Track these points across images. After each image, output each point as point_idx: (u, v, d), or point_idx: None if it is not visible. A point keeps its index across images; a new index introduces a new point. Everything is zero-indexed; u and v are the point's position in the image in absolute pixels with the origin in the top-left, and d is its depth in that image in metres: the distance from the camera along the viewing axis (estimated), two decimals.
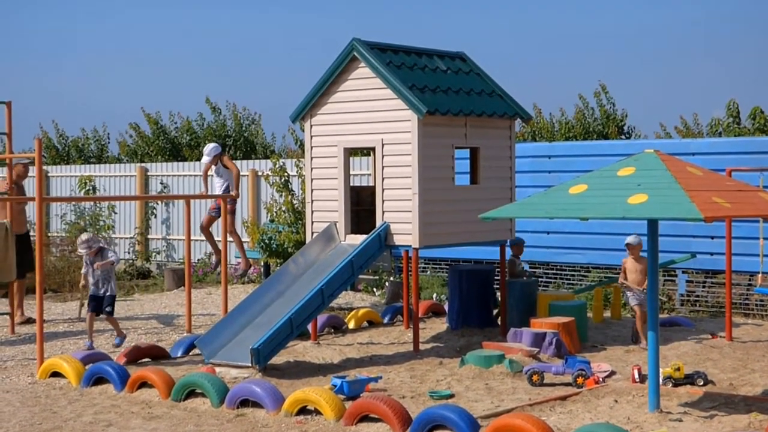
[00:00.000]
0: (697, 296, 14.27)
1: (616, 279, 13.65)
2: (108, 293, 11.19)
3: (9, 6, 55.99)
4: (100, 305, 11.19)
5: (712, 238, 13.76)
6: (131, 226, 21.61)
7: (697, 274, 14.30)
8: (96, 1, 56.80)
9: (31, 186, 21.30)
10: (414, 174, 10.60)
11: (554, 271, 15.47)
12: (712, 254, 13.81)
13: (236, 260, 18.29)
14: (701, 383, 8.76)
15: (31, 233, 20.19)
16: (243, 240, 18.37)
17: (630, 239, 11.19)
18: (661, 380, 8.32)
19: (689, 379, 8.79)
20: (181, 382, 8.79)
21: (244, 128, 27.52)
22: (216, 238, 14.28)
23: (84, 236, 11.23)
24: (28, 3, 57.12)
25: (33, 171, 20.13)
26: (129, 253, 21.37)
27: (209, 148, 13.77)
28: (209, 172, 14.01)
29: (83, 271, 11.40)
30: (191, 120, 27.77)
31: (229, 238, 13.70)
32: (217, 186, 13.74)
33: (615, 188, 7.57)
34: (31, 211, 20.82)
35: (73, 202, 21.87)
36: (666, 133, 23.48)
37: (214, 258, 14.59)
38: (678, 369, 8.78)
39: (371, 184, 12.26)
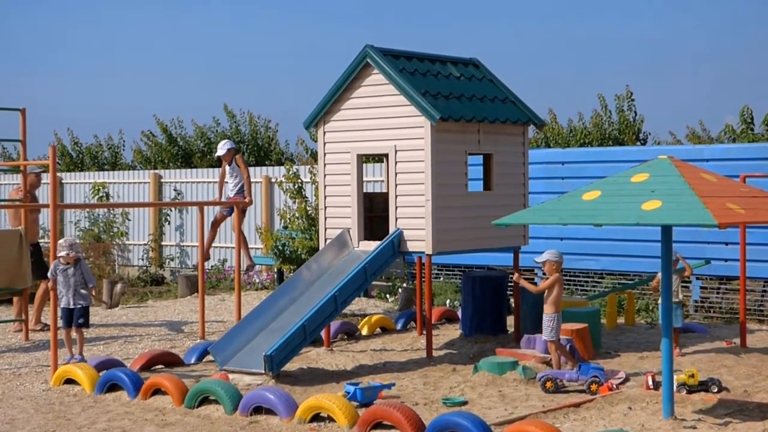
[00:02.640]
0: (712, 302, 14.23)
1: (629, 285, 13.64)
2: (80, 306, 10.39)
3: (22, 13, 56.27)
4: (72, 319, 10.43)
5: (727, 244, 13.72)
6: (145, 232, 21.68)
7: (711, 280, 14.27)
8: (111, 9, 57.04)
9: (45, 193, 21.39)
10: (427, 180, 10.60)
11: (568, 278, 15.44)
12: (726, 260, 13.77)
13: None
14: (715, 390, 8.71)
15: (45, 240, 20.35)
16: (257, 246, 18.42)
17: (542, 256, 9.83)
18: (675, 387, 8.29)
19: (703, 386, 8.75)
20: (194, 389, 8.79)
21: (259, 134, 27.59)
22: (227, 245, 14.31)
23: (69, 240, 10.41)
24: (41, 10, 57.39)
25: (47, 178, 20.22)
26: (143, 259, 21.43)
27: (223, 143, 13.88)
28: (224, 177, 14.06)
29: (51, 276, 10.31)
30: (205, 126, 27.86)
31: (255, 245, 13.76)
32: (231, 185, 13.77)
33: (629, 194, 7.55)
34: (46, 217, 20.93)
35: (87, 209, 21.99)
36: (676, 140, 23.47)
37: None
38: (692, 376, 8.74)
39: (384, 190, 12.25)
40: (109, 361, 10.25)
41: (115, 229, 21.41)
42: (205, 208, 14.28)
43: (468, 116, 10.86)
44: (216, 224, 14.30)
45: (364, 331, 12.60)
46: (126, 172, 23.59)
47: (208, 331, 12.76)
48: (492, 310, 12.06)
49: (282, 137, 36.30)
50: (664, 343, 7.82)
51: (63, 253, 10.19)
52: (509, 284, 12.58)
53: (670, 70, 47.01)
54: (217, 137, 27.40)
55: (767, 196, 7.96)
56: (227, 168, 13.78)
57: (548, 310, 9.65)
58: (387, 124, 10.87)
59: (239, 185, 13.68)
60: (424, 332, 11.39)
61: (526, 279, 12.98)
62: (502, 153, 11.45)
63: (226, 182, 13.95)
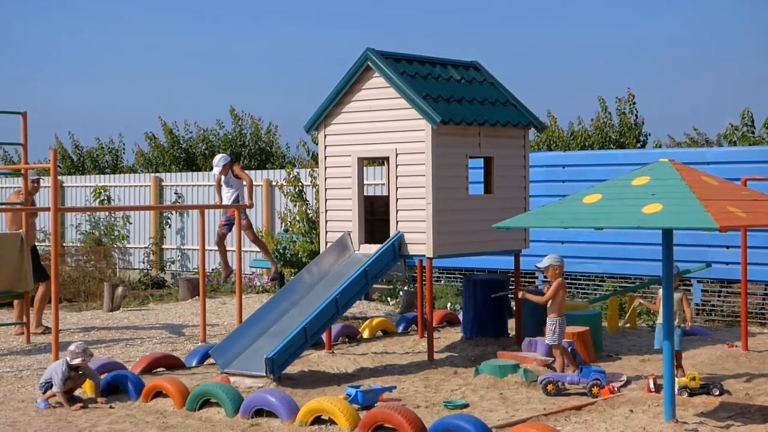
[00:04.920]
0: (713, 306, 14.22)
1: (631, 288, 13.64)
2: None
3: (23, 17, 56.30)
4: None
5: (728, 247, 13.71)
6: (146, 236, 21.67)
7: (712, 283, 14.26)
8: (112, 11, 57.07)
9: (46, 196, 21.41)
10: (428, 183, 10.60)
11: (569, 281, 15.43)
12: (727, 264, 13.76)
13: (250, 270, 18.32)
14: (717, 393, 8.71)
15: (46, 243, 20.36)
16: (258, 249, 18.42)
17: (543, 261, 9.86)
18: (676, 390, 8.29)
19: (705, 389, 8.75)
20: (195, 392, 8.79)
21: (262, 138, 27.63)
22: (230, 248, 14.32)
23: (81, 346, 9.29)
24: (43, 13, 57.42)
25: (48, 181, 20.23)
26: (144, 263, 21.43)
27: (218, 159, 13.83)
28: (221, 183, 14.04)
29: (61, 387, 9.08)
30: (209, 129, 27.94)
31: (255, 248, 13.72)
32: (226, 197, 13.77)
33: (629, 198, 7.55)
34: (47, 220, 20.96)
35: (88, 212, 21.98)
36: (675, 144, 23.53)
37: (223, 273, 14.61)
38: (694, 379, 8.74)
39: (385, 193, 12.26)
40: (111, 364, 10.23)
41: (116, 233, 21.41)
42: (206, 212, 14.29)
43: (469, 119, 10.86)
44: (221, 240, 14.20)
45: (366, 334, 12.60)
46: (127, 176, 23.59)
47: (209, 334, 12.76)
48: (493, 313, 12.05)
49: (283, 140, 36.29)
50: (666, 347, 7.82)
51: (78, 360, 9.14)
52: (510, 287, 12.58)
53: (671, 72, 47.04)
54: (219, 140, 27.43)
55: None
56: (222, 178, 13.78)
57: (551, 314, 9.66)
58: (388, 127, 10.88)
59: (234, 195, 13.66)
60: (426, 335, 11.39)
61: (525, 284, 12.97)
62: (502, 156, 11.45)
63: (222, 186, 13.96)
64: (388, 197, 11.23)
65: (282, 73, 55.94)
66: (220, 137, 27.61)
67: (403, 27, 56.10)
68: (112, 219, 21.59)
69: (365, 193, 11.46)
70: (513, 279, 12.22)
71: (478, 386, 9.35)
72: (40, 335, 13.22)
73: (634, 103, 23.03)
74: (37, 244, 13.85)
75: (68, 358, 9.20)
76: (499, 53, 51.27)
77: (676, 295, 9.05)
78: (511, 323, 12.27)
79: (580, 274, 15.43)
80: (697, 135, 23.95)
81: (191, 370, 10.47)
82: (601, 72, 49.04)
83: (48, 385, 9.15)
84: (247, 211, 13.64)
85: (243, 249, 13.40)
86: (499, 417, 8.11)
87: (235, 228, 13.31)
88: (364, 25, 57.70)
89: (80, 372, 9.22)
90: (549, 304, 9.70)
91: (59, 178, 23.12)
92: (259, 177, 19.95)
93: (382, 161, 16.13)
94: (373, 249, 10.88)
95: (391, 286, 16.62)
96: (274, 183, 19.46)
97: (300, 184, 16.59)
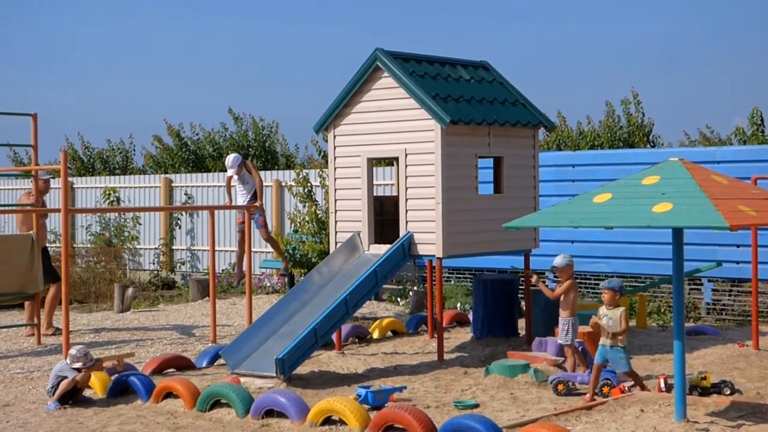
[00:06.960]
0: (724, 305, 14.19)
1: (640, 288, 13.61)
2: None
3: (32, 19, 56.45)
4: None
5: (738, 246, 13.68)
6: (156, 236, 21.71)
7: (723, 282, 14.23)
8: (118, 13, 57.18)
9: (56, 197, 21.46)
10: (437, 183, 10.59)
11: (579, 281, 15.41)
12: (737, 263, 13.73)
13: (260, 270, 18.33)
14: (728, 392, 8.69)
15: (56, 244, 20.41)
16: (268, 250, 18.42)
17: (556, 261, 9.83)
18: (687, 389, 8.26)
19: (716, 389, 8.73)
20: (206, 393, 8.80)
21: (264, 138, 27.64)
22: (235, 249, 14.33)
23: (83, 350, 9.37)
24: (51, 16, 57.56)
25: (58, 183, 20.27)
26: (154, 263, 21.46)
27: (231, 160, 13.76)
28: (232, 182, 14.02)
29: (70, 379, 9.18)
30: (214, 131, 27.96)
31: (266, 248, 13.77)
32: (241, 195, 13.76)
33: (640, 197, 7.54)
34: (57, 222, 21.01)
35: (98, 213, 22.03)
36: (690, 142, 23.44)
37: (235, 277, 14.59)
38: (704, 378, 8.72)
39: (394, 193, 12.26)
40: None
41: (126, 234, 21.45)
42: (216, 213, 14.30)
43: (478, 119, 10.86)
44: (241, 241, 14.12)
45: (375, 335, 12.59)
46: (137, 177, 23.64)
47: (220, 335, 12.78)
48: (503, 313, 12.05)
49: (292, 140, 36.29)
50: (676, 346, 7.80)
51: (79, 365, 9.21)
52: (520, 287, 12.57)
53: (680, 72, 46.95)
54: (226, 142, 27.45)
55: None
56: (235, 177, 13.77)
57: (564, 314, 9.66)
58: (397, 127, 10.87)
59: (251, 192, 13.68)
60: (436, 335, 11.39)
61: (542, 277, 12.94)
62: (512, 156, 11.44)
63: (234, 186, 13.94)
64: (397, 197, 11.23)
65: (286, 73, 55.97)
66: (227, 139, 27.62)
67: (409, 26, 56.12)
68: (122, 220, 21.63)
69: (375, 194, 11.46)
70: (523, 279, 12.20)
71: (488, 386, 9.34)
72: (51, 336, 13.26)
73: (639, 103, 22.97)
74: (47, 245, 13.87)
75: (68, 362, 9.24)
76: (509, 53, 51.24)
77: (615, 313, 8.70)
78: (521, 323, 12.26)
79: (590, 274, 15.41)
80: (711, 133, 23.87)
81: (201, 371, 10.48)
82: (610, 71, 48.98)
83: (55, 389, 9.17)
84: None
85: (253, 250, 13.39)
86: (509, 417, 8.10)
87: (246, 230, 13.33)
88: (368, 25, 57.75)
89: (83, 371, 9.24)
90: (562, 304, 9.69)
91: (69, 179, 23.19)
92: (268, 178, 19.96)
93: (391, 161, 16.12)
94: (382, 249, 10.88)
95: (400, 287, 16.62)
96: (283, 184, 19.48)
97: (309, 184, 16.59)
